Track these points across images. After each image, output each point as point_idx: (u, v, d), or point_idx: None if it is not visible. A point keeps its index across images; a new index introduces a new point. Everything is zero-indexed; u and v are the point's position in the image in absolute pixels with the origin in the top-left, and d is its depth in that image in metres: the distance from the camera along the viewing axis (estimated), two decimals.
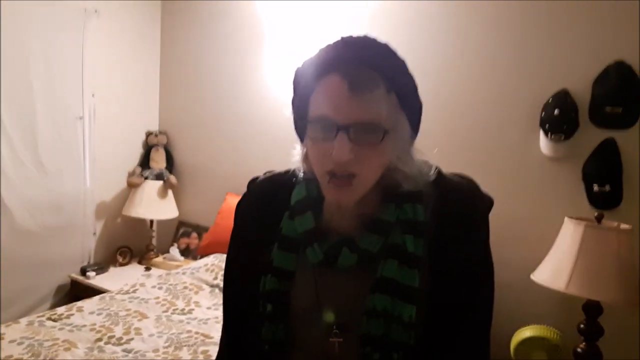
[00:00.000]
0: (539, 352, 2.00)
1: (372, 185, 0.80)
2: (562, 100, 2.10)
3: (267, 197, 0.94)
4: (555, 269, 1.85)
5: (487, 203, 0.89)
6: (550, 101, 2.14)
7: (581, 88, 2.10)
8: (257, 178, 0.99)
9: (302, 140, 0.86)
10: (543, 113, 2.15)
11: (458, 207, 0.84)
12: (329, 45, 0.79)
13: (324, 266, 0.83)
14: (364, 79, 0.74)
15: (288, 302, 0.85)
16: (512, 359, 2.06)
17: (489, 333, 0.89)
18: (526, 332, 2.04)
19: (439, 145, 2.40)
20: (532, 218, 2.23)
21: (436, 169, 0.87)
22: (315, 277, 0.85)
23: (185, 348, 2.00)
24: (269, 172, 0.99)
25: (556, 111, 2.09)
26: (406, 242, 0.80)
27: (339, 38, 0.79)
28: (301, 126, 0.84)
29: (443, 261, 0.81)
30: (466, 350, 0.83)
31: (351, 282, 0.83)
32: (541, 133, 2.18)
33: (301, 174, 0.89)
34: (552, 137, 2.11)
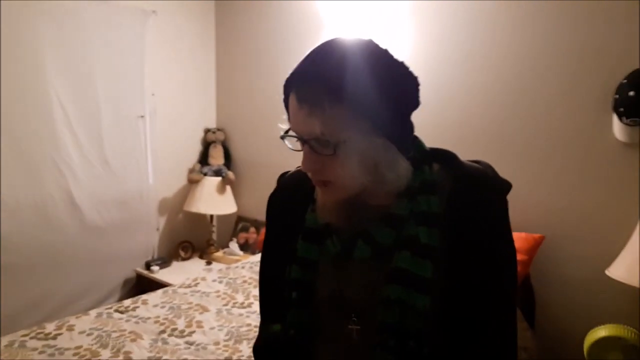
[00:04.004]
0: (615, 352, 1.88)
1: (357, 187, 0.83)
2: (638, 81, 1.95)
3: (293, 191, 1.00)
4: (632, 263, 1.74)
5: (503, 187, 0.89)
6: (624, 82, 1.98)
7: None
8: (286, 173, 1.06)
9: None
10: (617, 95, 2.01)
11: (473, 194, 0.85)
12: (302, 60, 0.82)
13: (342, 257, 0.88)
14: (308, 97, 0.77)
15: (311, 291, 0.91)
16: None
17: (514, 319, 0.89)
18: (601, 332, 1.92)
19: (506, 132, 2.31)
20: (606, 209, 2.09)
21: (452, 156, 0.88)
22: (336, 268, 0.90)
23: (245, 341, 2.02)
24: (299, 167, 1.03)
25: (631, 93, 1.94)
26: (419, 234, 0.83)
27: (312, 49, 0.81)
28: None
29: (461, 249, 0.83)
30: (490, 338, 0.85)
31: (368, 272, 0.87)
32: (614, 117, 2.03)
33: None
34: (627, 121, 1.97)
